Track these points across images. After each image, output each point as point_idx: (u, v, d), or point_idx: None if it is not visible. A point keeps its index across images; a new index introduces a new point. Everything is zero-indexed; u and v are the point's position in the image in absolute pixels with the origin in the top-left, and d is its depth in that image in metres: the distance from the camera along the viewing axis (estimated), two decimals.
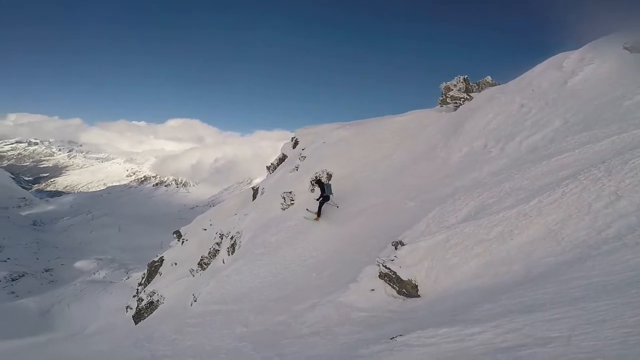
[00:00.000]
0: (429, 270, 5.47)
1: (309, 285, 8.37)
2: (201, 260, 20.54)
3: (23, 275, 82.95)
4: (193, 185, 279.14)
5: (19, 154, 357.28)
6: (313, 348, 5.23)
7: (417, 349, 3.53)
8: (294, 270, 10.04)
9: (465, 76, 19.67)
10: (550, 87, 12.12)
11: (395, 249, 5.95)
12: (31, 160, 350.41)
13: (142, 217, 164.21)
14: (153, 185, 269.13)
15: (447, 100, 18.95)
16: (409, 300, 5.48)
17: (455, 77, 19.53)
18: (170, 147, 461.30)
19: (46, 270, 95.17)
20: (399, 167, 14.60)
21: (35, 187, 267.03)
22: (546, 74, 12.98)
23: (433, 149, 13.74)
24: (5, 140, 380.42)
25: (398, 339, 4.00)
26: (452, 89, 19.00)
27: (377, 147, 16.74)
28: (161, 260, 26.56)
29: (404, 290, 5.55)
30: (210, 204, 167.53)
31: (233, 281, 11.61)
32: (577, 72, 11.63)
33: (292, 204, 15.12)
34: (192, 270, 20.70)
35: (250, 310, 8.76)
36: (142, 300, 21.85)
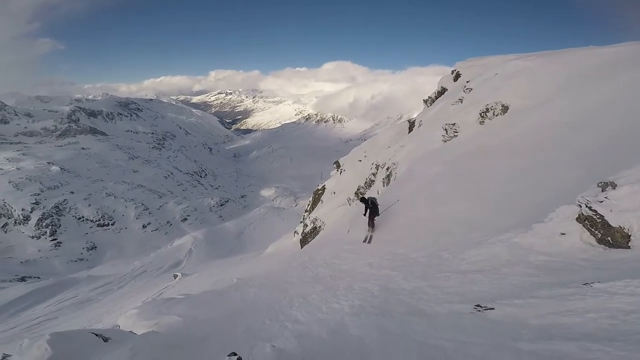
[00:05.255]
0: None
1: (473, 221, 7.72)
2: (357, 189, 22.24)
3: (227, 201, 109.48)
4: (347, 121, 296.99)
5: (220, 102, 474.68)
6: (473, 284, 4.92)
7: (622, 297, 3.06)
8: (455, 205, 9.46)
9: None
10: None
11: (602, 190, 4.72)
12: (229, 106, 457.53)
13: (307, 150, 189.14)
14: (315, 122, 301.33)
15: None
16: (613, 250, 4.43)
17: None
18: (328, 88, 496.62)
19: (242, 197, 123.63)
20: (613, 102, 11.28)
21: (234, 127, 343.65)
22: None
23: None
24: (211, 93, 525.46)
25: (594, 285, 3.47)
26: None
27: (576, 80, 13.68)
28: (323, 188, 30.16)
29: (608, 238, 4.48)
30: (362, 137, 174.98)
31: (388, 212, 12.14)
32: None
33: (456, 136, 14.10)
34: (349, 199, 22.77)
35: (403, 240, 8.87)
36: (307, 226, 25.42)
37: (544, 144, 10.31)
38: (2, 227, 77.82)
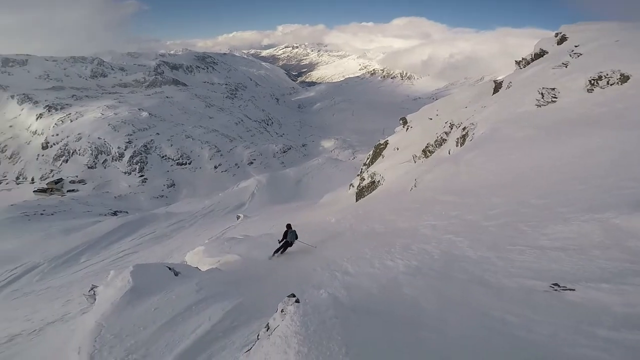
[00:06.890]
0: None
1: (564, 194, 6.71)
2: (426, 147, 21.18)
3: (290, 149, 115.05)
4: (417, 79, 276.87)
5: (287, 55, 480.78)
6: (553, 262, 4.35)
7: None
8: (542, 173, 8.42)
9: None
10: None
11: None
12: (295, 60, 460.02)
13: (370, 105, 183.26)
14: (381, 78, 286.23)
15: None
16: None
17: None
18: (398, 44, 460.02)
19: (303, 145, 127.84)
20: None
21: (299, 79, 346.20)
22: None
23: None
24: (279, 47, 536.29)
25: None
26: None
27: None
28: (386, 143, 29.27)
29: None
30: (434, 96, 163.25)
31: (461, 173, 11.26)
32: None
33: (554, 101, 12.84)
34: (414, 156, 21.84)
35: (474, 206, 8.16)
36: (364, 179, 25.04)
37: None
38: (103, 162, 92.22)
